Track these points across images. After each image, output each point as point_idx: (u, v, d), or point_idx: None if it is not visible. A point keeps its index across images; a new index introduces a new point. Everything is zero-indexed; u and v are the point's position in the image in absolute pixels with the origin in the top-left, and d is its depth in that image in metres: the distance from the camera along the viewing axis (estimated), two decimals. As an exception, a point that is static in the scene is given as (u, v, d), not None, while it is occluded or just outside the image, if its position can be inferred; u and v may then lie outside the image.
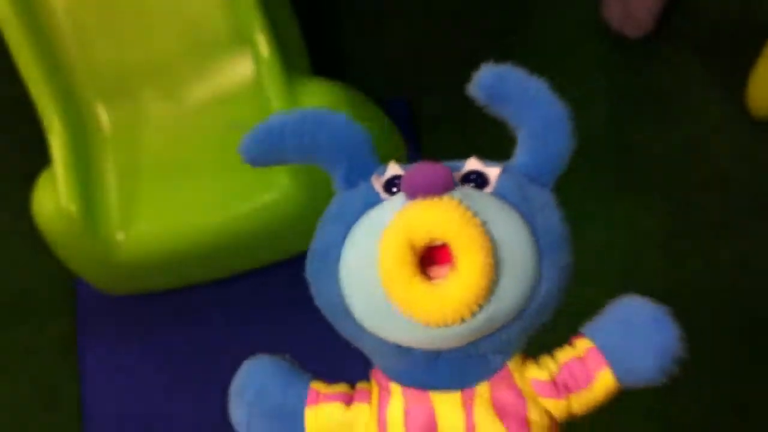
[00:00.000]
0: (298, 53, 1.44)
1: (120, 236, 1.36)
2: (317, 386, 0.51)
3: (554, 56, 1.59)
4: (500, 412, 0.47)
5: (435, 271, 0.44)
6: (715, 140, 1.52)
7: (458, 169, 0.48)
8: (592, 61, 1.60)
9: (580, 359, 0.48)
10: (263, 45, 1.32)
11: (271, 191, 1.34)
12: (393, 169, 0.48)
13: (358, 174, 0.49)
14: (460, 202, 0.44)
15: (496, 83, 0.48)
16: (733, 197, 1.48)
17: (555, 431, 0.49)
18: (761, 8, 1.59)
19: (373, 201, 0.47)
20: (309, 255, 0.49)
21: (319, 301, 0.50)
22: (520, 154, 0.49)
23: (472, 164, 0.48)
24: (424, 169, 0.45)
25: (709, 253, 1.42)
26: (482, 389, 0.47)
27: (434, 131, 1.55)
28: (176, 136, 1.41)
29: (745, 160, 1.51)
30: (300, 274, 1.63)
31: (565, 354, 0.49)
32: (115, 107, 1.43)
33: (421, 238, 0.43)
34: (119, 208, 1.38)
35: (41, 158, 1.38)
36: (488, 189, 0.47)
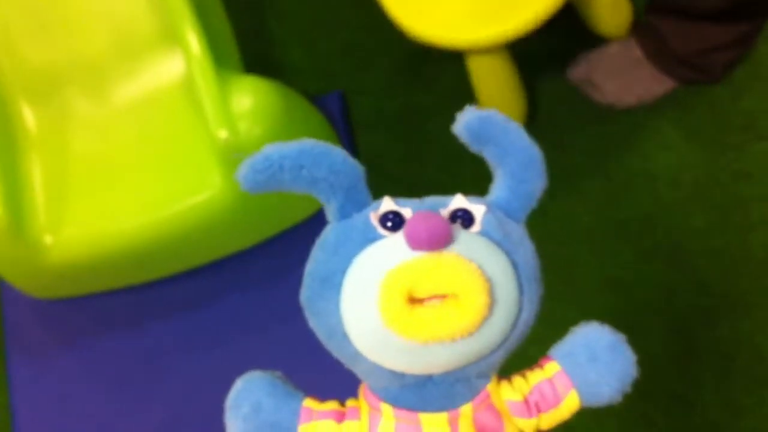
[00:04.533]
0: (229, 51, 1.43)
1: (48, 239, 1.33)
2: (310, 404, 0.54)
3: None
4: (481, 431, 0.52)
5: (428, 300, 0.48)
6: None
7: (445, 205, 0.52)
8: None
9: (550, 381, 0.53)
10: (194, 42, 1.30)
11: (203, 191, 1.32)
12: (387, 204, 0.52)
13: (352, 206, 0.52)
14: (460, 254, 0.48)
15: (481, 126, 0.52)
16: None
17: None
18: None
19: (372, 237, 0.50)
20: (307, 279, 0.52)
21: (315, 323, 0.52)
22: (498, 191, 0.53)
23: (459, 202, 0.52)
24: (427, 223, 0.48)
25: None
26: (466, 410, 0.52)
27: (369, 130, 1.55)
28: (105, 137, 1.39)
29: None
30: (235, 277, 1.59)
31: (535, 376, 0.54)
32: (42, 108, 1.40)
33: (425, 291, 0.47)
34: (47, 211, 1.35)
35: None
36: (475, 227, 0.51)
